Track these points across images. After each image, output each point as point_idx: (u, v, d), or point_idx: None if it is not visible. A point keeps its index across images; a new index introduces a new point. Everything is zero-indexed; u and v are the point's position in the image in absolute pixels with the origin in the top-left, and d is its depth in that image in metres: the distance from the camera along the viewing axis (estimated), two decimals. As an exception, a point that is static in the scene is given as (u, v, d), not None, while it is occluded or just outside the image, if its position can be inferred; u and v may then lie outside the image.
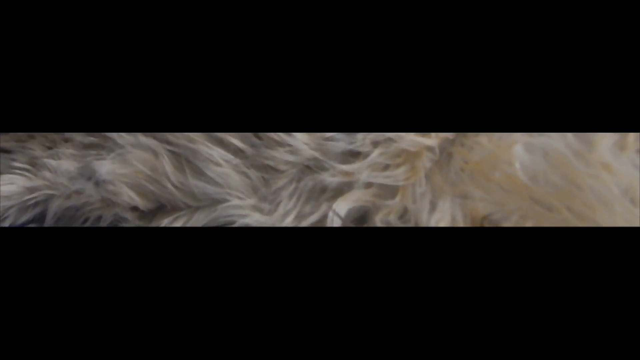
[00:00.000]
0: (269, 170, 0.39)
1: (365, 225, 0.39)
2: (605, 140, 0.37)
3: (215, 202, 0.39)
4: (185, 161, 0.40)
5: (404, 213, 0.39)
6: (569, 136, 0.38)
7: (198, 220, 0.39)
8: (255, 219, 0.39)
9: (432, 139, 0.39)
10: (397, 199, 0.39)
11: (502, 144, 0.38)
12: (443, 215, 0.38)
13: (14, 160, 0.42)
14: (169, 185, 0.40)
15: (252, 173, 0.39)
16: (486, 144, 0.38)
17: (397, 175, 0.39)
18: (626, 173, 0.37)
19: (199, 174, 0.40)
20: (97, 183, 0.41)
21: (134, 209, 0.40)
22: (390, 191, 0.39)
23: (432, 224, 0.38)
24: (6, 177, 0.42)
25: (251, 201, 0.39)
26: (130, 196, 0.40)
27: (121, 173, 0.40)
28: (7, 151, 0.42)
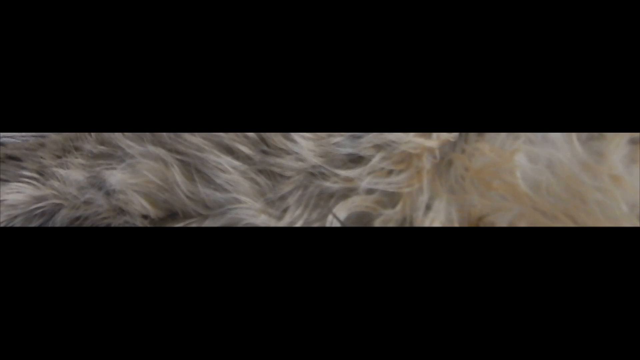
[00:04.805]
0: (275, 176, 0.40)
1: (361, 226, 0.39)
2: (617, 151, 0.37)
3: (226, 208, 0.40)
4: (194, 170, 0.40)
5: (403, 221, 0.39)
6: (577, 146, 0.37)
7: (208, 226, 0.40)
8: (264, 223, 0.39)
9: (434, 141, 0.39)
10: (399, 207, 0.39)
11: (504, 152, 0.38)
12: (437, 215, 0.38)
13: (23, 168, 0.42)
14: (181, 194, 0.40)
15: (261, 179, 0.40)
16: (487, 152, 0.38)
17: (399, 182, 0.39)
18: (636, 187, 0.36)
19: (208, 181, 0.40)
20: (108, 193, 0.41)
21: (144, 217, 0.41)
22: (392, 198, 0.39)
23: (427, 223, 0.38)
24: (14, 186, 0.42)
25: (260, 206, 0.39)
26: (142, 205, 0.40)
27: (132, 183, 0.40)
28: (16, 159, 0.43)
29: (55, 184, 0.42)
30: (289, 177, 0.40)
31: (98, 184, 0.41)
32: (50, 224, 0.42)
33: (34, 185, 0.42)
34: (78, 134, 0.43)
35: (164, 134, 0.41)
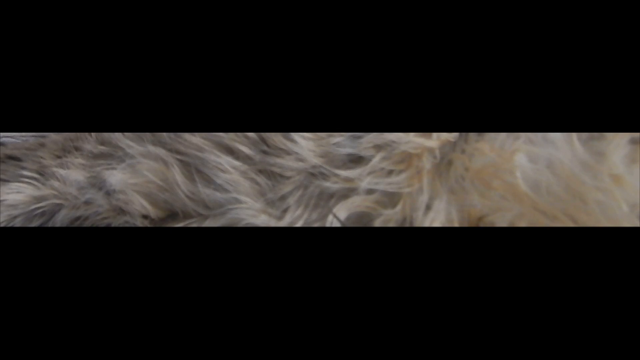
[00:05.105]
0: (275, 176, 0.40)
1: (361, 226, 0.39)
2: (617, 151, 0.37)
3: (226, 208, 0.40)
4: (194, 170, 0.40)
5: (403, 221, 0.39)
6: (577, 146, 0.37)
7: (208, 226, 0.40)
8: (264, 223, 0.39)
9: (434, 141, 0.39)
10: (399, 207, 0.39)
11: (504, 152, 0.38)
12: (437, 215, 0.38)
13: (23, 168, 0.42)
14: (181, 194, 0.40)
15: (261, 179, 0.40)
16: (487, 152, 0.38)
17: (399, 182, 0.39)
18: (637, 187, 0.36)
19: (208, 181, 0.40)
20: (108, 193, 0.41)
21: (144, 217, 0.41)
22: (392, 198, 0.39)
23: (427, 223, 0.38)
24: (14, 186, 0.42)
25: (260, 206, 0.39)
26: (142, 205, 0.40)
27: (132, 182, 0.40)
28: (16, 159, 0.43)
29: (55, 184, 0.42)
30: (289, 177, 0.40)
31: (98, 184, 0.41)
32: (50, 224, 0.42)
33: (34, 185, 0.42)
34: (78, 134, 0.43)
35: (164, 134, 0.41)
